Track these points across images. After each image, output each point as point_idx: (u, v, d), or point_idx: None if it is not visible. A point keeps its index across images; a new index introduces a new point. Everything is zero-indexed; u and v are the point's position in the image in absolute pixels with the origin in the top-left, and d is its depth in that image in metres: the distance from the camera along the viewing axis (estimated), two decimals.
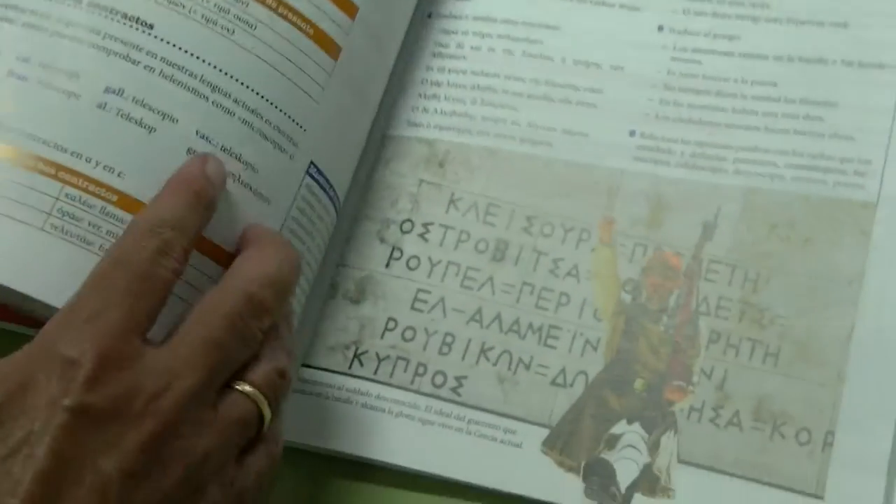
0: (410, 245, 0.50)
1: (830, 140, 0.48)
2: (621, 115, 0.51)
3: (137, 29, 0.42)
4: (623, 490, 0.44)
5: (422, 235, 0.50)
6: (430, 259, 0.50)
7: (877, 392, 0.43)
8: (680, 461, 0.44)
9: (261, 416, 0.38)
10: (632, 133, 0.50)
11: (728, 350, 0.46)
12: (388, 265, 0.50)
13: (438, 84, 0.53)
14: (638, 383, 0.46)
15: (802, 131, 0.48)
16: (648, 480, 0.44)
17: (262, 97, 0.44)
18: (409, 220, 0.51)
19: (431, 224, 0.50)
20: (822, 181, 0.47)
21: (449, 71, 0.54)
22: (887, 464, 0.42)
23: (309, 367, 0.49)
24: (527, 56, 0.53)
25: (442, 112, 0.53)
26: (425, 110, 0.53)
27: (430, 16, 0.55)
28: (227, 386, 0.38)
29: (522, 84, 0.52)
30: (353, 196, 0.52)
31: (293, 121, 0.45)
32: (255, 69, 0.44)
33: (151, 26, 0.42)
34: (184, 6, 0.43)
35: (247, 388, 0.38)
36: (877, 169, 0.47)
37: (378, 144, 0.53)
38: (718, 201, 0.48)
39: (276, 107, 0.44)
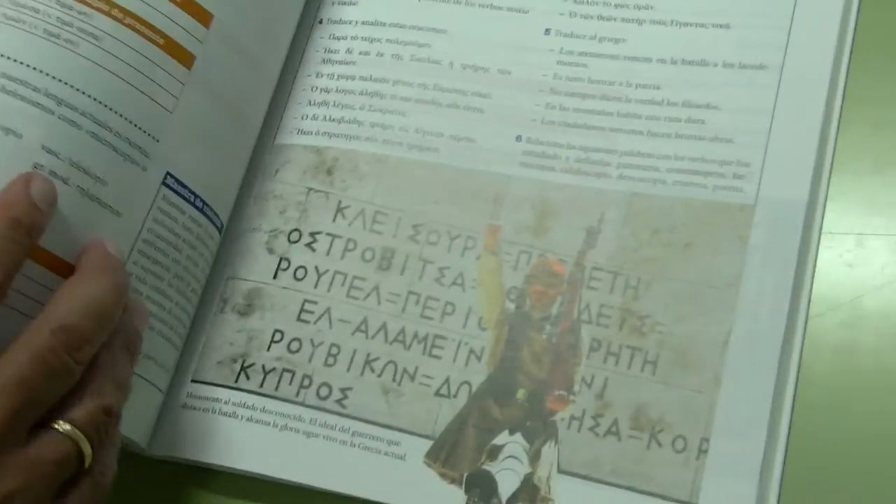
0: (298, 255, 0.50)
1: (711, 143, 0.48)
2: (508, 119, 0.51)
3: None
4: (504, 501, 0.44)
5: (309, 245, 0.50)
6: (316, 269, 0.50)
7: (751, 397, 0.43)
8: (560, 471, 0.44)
9: (81, 454, 0.37)
10: (518, 138, 0.50)
11: (608, 358, 0.46)
12: (275, 276, 0.50)
13: (328, 90, 0.53)
14: (520, 393, 0.46)
15: (684, 135, 0.48)
16: (529, 491, 0.44)
17: (111, 109, 0.43)
18: (296, 229, 0.50)
19: (319, 233, 0.50)
20: (703, 185, 0.47)
21: (338, 77, 0.53)
22: (759, 469, 0.42)
23: (198, 382, 0.48)
24: (415, 60, 0.52)
25: (331, 119, 0.52)
26: (315, 117, 0.53)
27: (321, 21, 0.55)
28: (44, 424, 0.37)
29: (410, 89, 0.52)
30: (244, 207, 0.51)
31: (144, 132, 0.44)
32: (103, 81, 0.43)
33: None
34: (24, 22, 0.42)
35: (64, 426, 0.37)
36: (755, 171, 0.47)
37: (267, 153, 0.52)
38: (602, 207, 0.48)
39: (125, 118, 0.44)
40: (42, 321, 0.38)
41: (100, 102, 0.43)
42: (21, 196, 0.39)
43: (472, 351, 0.47)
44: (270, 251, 0.50)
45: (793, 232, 0.45)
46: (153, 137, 0.45)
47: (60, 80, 0.42)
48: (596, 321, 0.46)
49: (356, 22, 0.54)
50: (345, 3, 0.55)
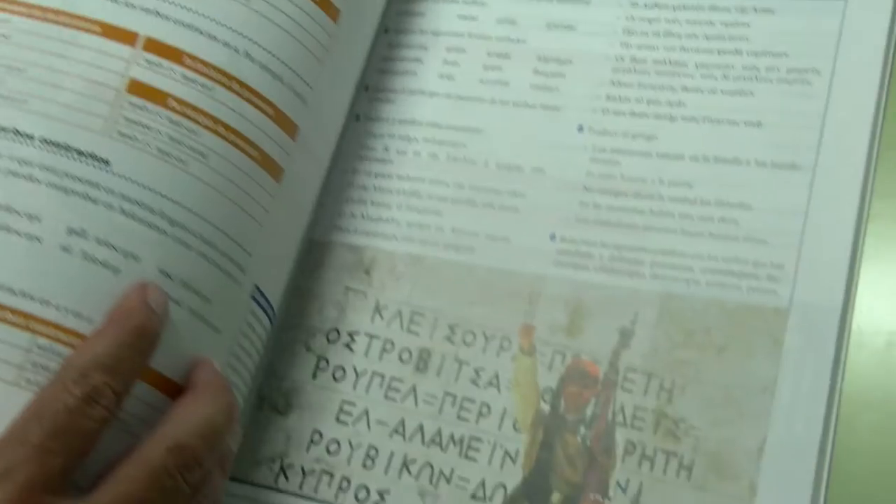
0: (336, 355, 0.51)
1: (744, 244, 0.48)
2: (542, 218, 0.51)
3: (94, 166, 0.42)
4: None
5: (347, 345, 0.51)
6: (355, 370, 0.50)
7: None
8: None
9: None
10: (552, 237, 0.51)
11: (643, 462, 0.46)
12: (314, 376, 0.51)
13: (365, 188, 0.54)
14: (555, 497, 0.46)
15: (717, 234, 0.48)
16: None
17: (216, 227, 0.44)
18: (335, 328, 0.51)
19: (357, 333, 0.51)
20: (737, 286, 0.47)
21: (375, 175, 0.54)
22: None
23: (236, 480, 0.49)
24: (451, 160, 0.53)
25: (368, 217, 0.53)
26: (352, 215, 0.53)
27: (358, 118, 0.56)
28: None
29: (446, 188, 0.53)
30: (281, 303, 0.52)
31: (241, 247, 0.45)
32: (209, 199, 0.44)
33: (107, 162, 0.42)
34: (137, 139, 0.43)
35: None
36: (789, 274, 0.47)
37: (305, 250, 0.53)
38: (636, 307, 0.48)
39: (227, 235, 0.44)
40: (158, 439, 0.38)
41: (207, 221, 0.43)
42: (141, 303, 0.40)
43: (507, 453, 0.47)
44: (308, 349, 0.51)
45: (828, 336, 0.45)
46: (247, 252, 0.45)
47: (173, 201, 0.43)
48: (630, 424, 0.47)
49: (393, 120, 0.55)
50: (381, 101, 0.56)
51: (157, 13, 0.44)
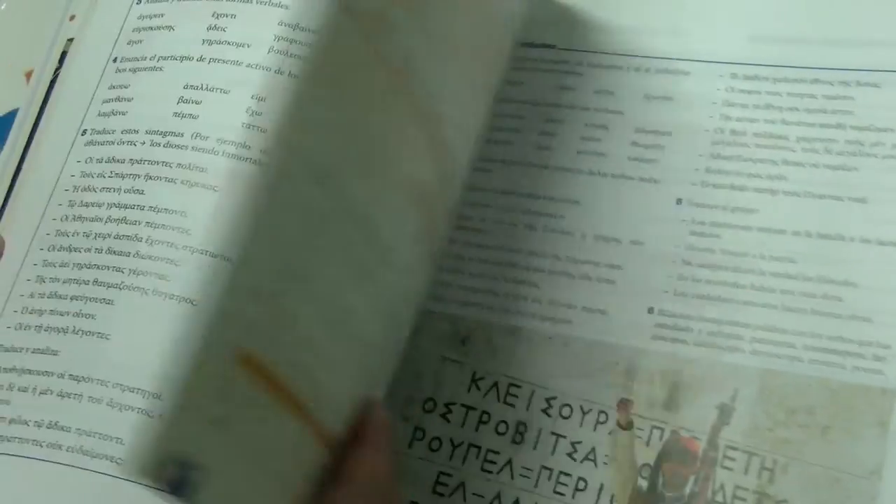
0: (433, 425, 0.51)
1: (849, 322, 0.47)
2: (640, 291, 0.51)
3: None
4: None
5: (444, 415, 0.51)
6: (451, 441, 0.50)
7: None
8: None
9: None
10: (650, 310, 0.50)
11: None
12: (410, 445, 0.51)
13: (462, 258, 0.54)
14: None
15: (820, 311, 0.48)
16: None
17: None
18: (431, 398, 0.52)
19: (453, 404, 0.51)
20: (841, 365, 0.47)
21: (473, 245, 0.54)
22: None
23: None
24: (548, 231, 0.53)
25: (465, 287, 0.54)
26: (449, 285, 0.54)
27: None
28: None
29: (543, 260, 0.53)
30: None
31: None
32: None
33: None
34: None
35: None
36: (895, 354, 0.46)
37: None
38: (735, 383, 0.48)
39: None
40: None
41: None
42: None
43: None
44: (405, 419, 0.51)
45: None
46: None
47: None
48: (731, 503, 0.46)
49: (490, 190, 0.55)
50: (478, 170, 0.56)
51: None
